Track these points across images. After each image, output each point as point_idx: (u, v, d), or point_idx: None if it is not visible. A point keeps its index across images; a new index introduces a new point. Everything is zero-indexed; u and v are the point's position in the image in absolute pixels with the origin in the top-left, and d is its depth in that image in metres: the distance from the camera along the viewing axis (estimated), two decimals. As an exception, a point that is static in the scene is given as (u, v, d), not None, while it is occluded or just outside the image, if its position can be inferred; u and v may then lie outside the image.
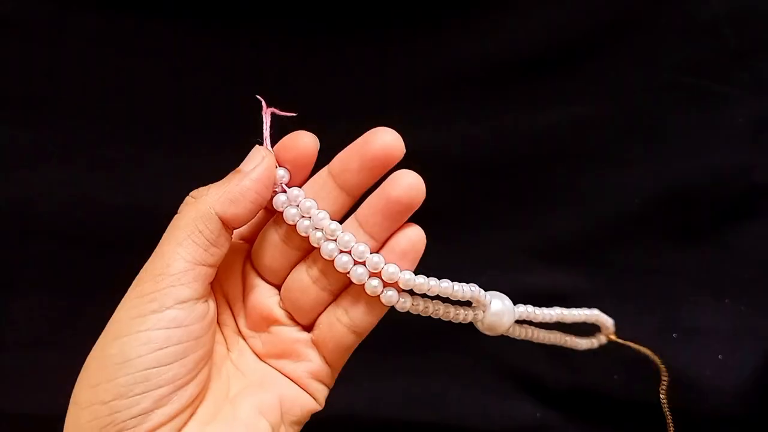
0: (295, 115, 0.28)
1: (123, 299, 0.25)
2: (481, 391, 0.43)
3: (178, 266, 0.25)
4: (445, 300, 0.28)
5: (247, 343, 0.29)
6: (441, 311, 0.28)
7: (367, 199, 0.27)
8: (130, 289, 0.25)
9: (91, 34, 0.42)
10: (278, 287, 0.28)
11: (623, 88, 0.44)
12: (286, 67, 0.43)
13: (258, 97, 0.28)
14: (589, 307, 0.35)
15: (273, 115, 0.28)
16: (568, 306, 0.38)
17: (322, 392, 0.29)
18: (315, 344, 0.28)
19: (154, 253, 0.26)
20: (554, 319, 0.31)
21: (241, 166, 0.27)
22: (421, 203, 0.26)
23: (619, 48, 0.43)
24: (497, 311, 0.29)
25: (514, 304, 0.30)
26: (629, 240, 0.44)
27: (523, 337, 0.31)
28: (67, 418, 0.25)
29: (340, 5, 0.42)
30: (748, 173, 0.44)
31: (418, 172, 0.26)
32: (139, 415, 0.24)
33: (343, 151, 0.27)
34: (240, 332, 0.29)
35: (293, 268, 0.28)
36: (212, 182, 0.27)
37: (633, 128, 0.44)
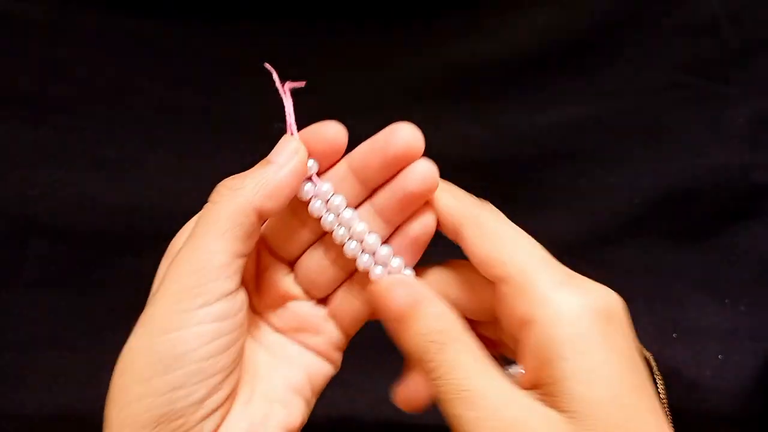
0: (304, 84, 0.28)
1: (160, 292, 0.25)
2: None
3: (221, 260, 0.25)
4: None
5: (265, 321, 0.29)
6: None
7: (383, 190, 0.27)
8: (167, 280, 0.25)
9: (91, 34, 0.42)
10: (290, 264, 0.29)
11: (623, 88, 0.44)
12: (286, 67, 0.43)
13: (267, 66, 0.28)
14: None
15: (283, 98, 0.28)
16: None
17: (340, 358, 0.30)
18: (332, 317, 0.29)
19: (191, 246, 0.25)
20: None
21: (273, 156, 0.26)
22: (435, 190, 0.27)
23: (619, 48, 0.43)
24: None
25: None
26: (629, 240, 0.44)
27: None
28: (112, 413, 0.25)
29: (340, 5, 0.42)
30: (748, 173, 0.44)
31: None
32: (195, 403, 0.25)
33: (363, 147, 0.27)
34: (255, 310, 0.29)
35: (308, 247, 0.29)
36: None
37: (633, 128, 0.44)
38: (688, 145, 0.44)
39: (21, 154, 0.42)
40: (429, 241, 0.28)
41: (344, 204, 0.27)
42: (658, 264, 0.44)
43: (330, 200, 0.27)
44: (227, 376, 0.26)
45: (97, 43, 0.42)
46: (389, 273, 0.27)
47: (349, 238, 0.27)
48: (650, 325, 0.44)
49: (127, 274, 0.42)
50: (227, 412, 0.26)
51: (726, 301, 0.44)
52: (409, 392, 0.29)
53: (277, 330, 0.29)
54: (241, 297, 0.26)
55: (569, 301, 0.25)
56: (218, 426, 0.26)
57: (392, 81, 0.43)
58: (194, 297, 0.25)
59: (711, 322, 0.44)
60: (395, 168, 0.26)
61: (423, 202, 0.27)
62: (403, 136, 0.26)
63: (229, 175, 0.27)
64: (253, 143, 0.42)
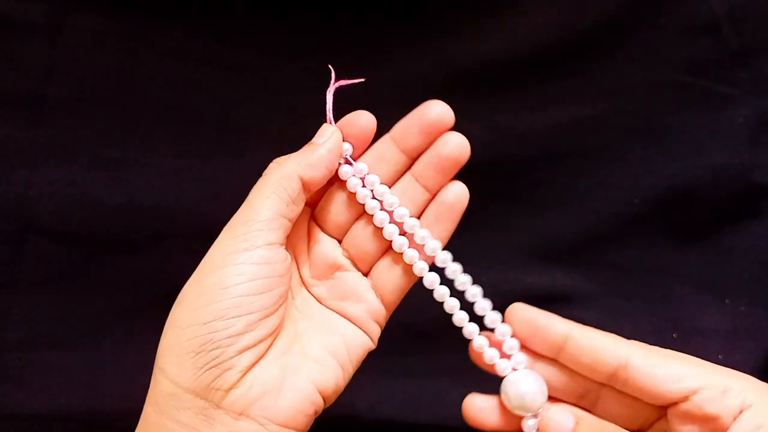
0: (364, 80, 0.33)
1: (216, 241, 0.30)
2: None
3: (266, 214, 0.29)
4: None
5: (310, 291, 0.33)
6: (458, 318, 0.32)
7: (421, 156, 0.32)
8: (222, 232, 0.30)
9: (91, 34, 0.42)
10: (339, 240, 0.33)
11: (623, 88, 0.44)
12: (285, 66, 0.43)
13: (330, 68, 0.33)
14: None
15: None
16: (567, 305, 0.38)
17: (377, 332, 0.33)
18: (374, 288, 0.33)
19: (243, 204, 0.30)
20: None
21: (315, 139, 0.31)
22: (467, 159, 0.32)
23: (619, 48, 0.43)
24: (521, 389, 0.31)
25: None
26: (629, 240, 0.44)
27: None
28: (163, 340, 0.29)
29: (340, 5, 0.42)
30: (748, 173, 0.44)
31: None
32: (233, 336, 0.28)
33: (402, 120, 0.32)
34: (303, 282, 0.33)
35: (353, 223, 0.33)
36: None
37: (633, 128, 0.44)
38: (688, 145, 0.44)
39: (21, 154, 0.42)
40: (463, 210, 0.33)
41: (378, 180, 0.32)
42: (658, 264, 0.44)
43: (365, 177, 0.32)
44: (265, 317, 0.29)
45: (97, 43, 0.42)
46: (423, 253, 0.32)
47: (381, 209, 0.32)
48: (650, 325, 0.44)
49: (127, 274, 0.42)
50: (262, 354, 0.29)
51: (726, 301, 0.44)
52: (480, 411, 0.32)
53: (321, 300, 0.33)
54: (283, 252, 0.30)
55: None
56: (252, 364, 0.29)
57: (392, 81, 0.43)
58: (241, 242, 0.29)
59: (711, 322, 0.44)
60: (431, 135, 0.32)
61: (457, 170, 0.32)
62: (437, 107, 0.32)
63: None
64: (253, 143, 0.43)
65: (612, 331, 0.31)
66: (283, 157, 0.31)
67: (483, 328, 0.32)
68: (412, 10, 0.42)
